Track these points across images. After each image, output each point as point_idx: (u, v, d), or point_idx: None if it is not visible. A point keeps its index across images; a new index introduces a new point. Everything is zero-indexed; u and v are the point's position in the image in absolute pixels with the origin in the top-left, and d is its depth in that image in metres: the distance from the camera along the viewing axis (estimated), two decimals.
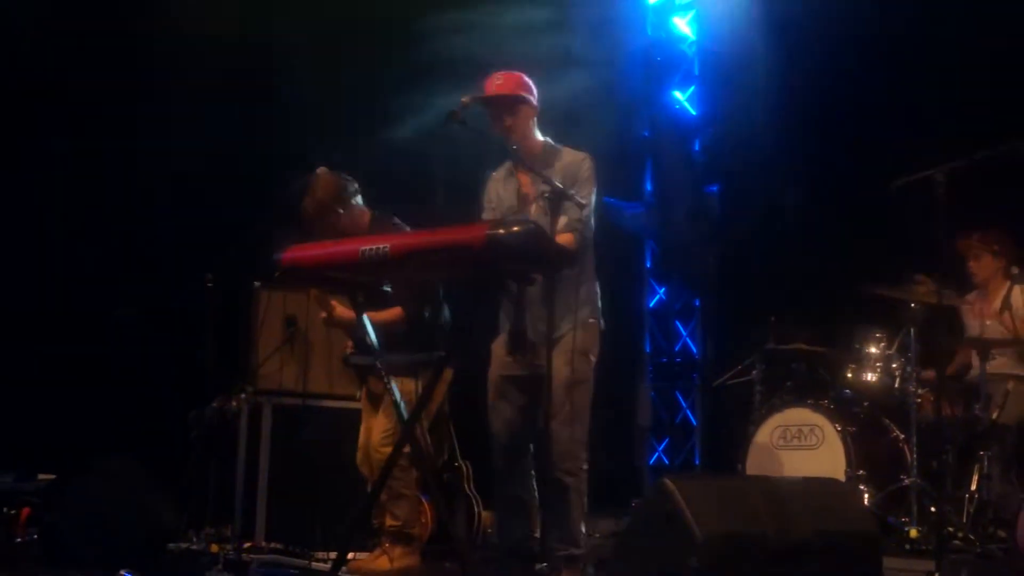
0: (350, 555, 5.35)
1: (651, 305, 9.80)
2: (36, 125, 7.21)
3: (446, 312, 5.59)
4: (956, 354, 6.92)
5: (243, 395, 6.32)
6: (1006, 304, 6.53)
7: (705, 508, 3.86)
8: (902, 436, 6.51)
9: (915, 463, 6.25)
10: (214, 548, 5.78)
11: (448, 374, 5.62)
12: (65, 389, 7.13)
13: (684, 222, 9.40)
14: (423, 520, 5.86)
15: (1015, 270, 6.55)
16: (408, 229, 5.31)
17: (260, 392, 6.40)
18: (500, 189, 5.18)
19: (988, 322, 6.61)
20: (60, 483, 5.84)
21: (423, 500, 5.88)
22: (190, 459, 6.15)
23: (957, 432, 6.29)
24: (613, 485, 5.55)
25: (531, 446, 5.10)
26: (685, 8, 9.74)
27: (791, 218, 8.24)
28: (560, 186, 4.76)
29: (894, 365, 6.62)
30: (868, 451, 6.47)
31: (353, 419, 5.82)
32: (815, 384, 7.06)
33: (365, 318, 4.65)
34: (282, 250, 4.42)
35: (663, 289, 9.79)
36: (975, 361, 6.54)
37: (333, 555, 5.01)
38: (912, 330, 6.42)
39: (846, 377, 6.80)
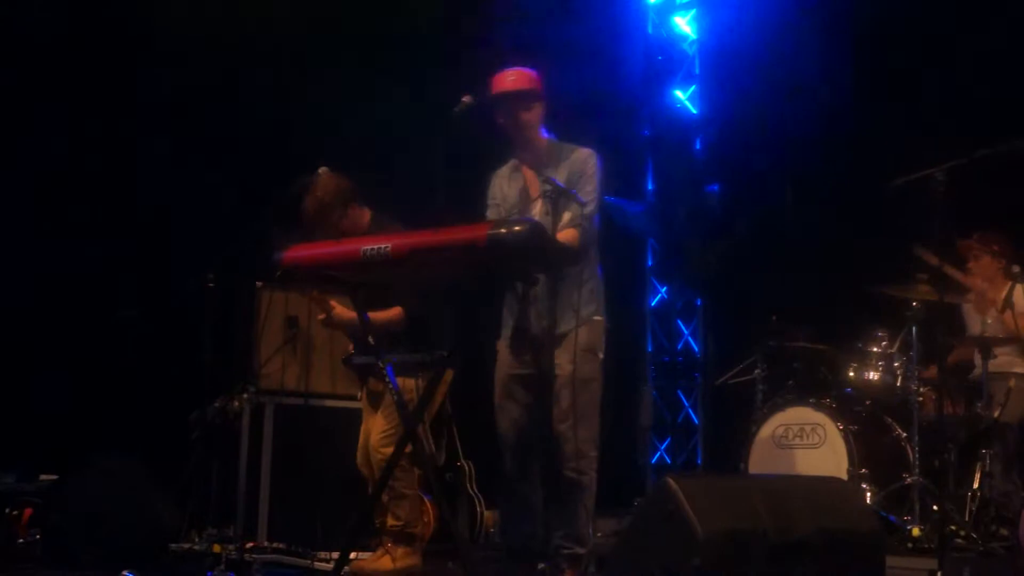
0: (352, 555, 5.35)
1: (653, 304, 9.80)
2: (34, 122, 7.20)
3: (447, 312, 5.59)
4: (954, 348, 6.92)
5: (245, 395, 6.32)
6: (1008, 303, 6.53)
7: (707, 507, 3.86)
8: (904, 434, 6.51)
9: (917, 461, 6.25)
10: (216, 548, 5.77)
11: (449, 374, 5.62)
12: (67, 389, 7.13)
13: (685, 221, 9.40)
14: (425, 520, 5.87)
15: (1016, 269, 6.56)
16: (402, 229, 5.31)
17: (262, 392, 6.40)
18: (505, 186, 5.18)
19: (989, 321, 6.61)
20: (62, 484, 5.84)
21: (425, 500, 5.88)
22: (192, 459, 6.15)
23: (959, 430, 6.30)
24: (615, 484, 5.55)
25: (538, 445, 5.09)
26: (686, 7, 9.74)
27: (792, 217, 8.24)
28: (563, 184, 4.76)
29: (896, 364, 6.63)
30: (870, 450, 6.47)
31: (355, 419, 5.82)
32: (817, 383, 7.06)
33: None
34: (283, 250, 4.43)
35: (665, 288, 9.79)
36: (977, 359, 6.55)
37: (335, 555, 5.01)
38: (914, 328, 6.42)
39: (848, 376, 6.80)
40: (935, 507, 6.14)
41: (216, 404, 6.30)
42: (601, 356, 5.08)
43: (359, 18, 7.80)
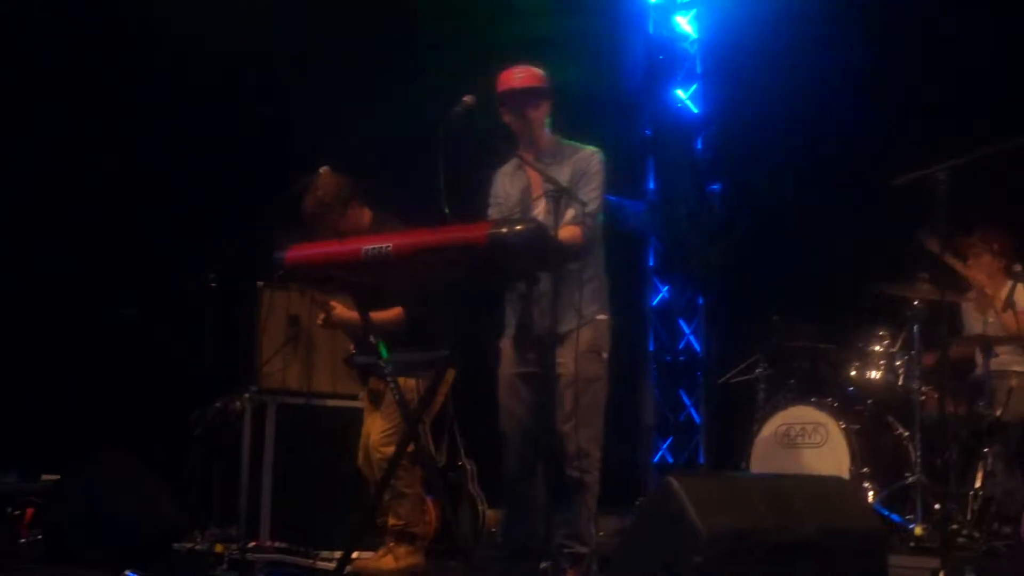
0: (355, 554, 5.35)
1: (654, 303, 9.79)
2: (34, 121, 7.20)
3: (448, 311, 5.59)
4: (951, 347, 6.90)
5: (247, 395, 6.32)
6: (1009, 302, 6.52)
7: (709, 506, 3.86)
8: (906, 433, 6.50)
9: (919, 460, 6.25)
10: (219, 548, 5.79)
11: (451, 374, 5.62)
12: (68, 389, 7.13)
13: (686, 220, 9.40)
14: (427, 519, 5.87)
15: (1017, 267, 6.55)
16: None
17: (264, 391, 6.41)
18: (507, 185, 5.19)
19: (991, 320, 6.60)
20: (63, 483, 5.84)
21: (427, 499, 5.88)
22: (194, 459, 6.15)
23: (961, 429, 6.29)
24: (617, 483, 5.55)
25: (542, 444, 5.09)
26: (687, 6, 9.73)
27: (793, 216, 8.24)
28: (564, 184, 4.77)
29: (898, 363, 6.62)
30: (872, 449, 6.47)
31: (357, 418, 5.82)
32: (819, 382, 7.06)
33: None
34: (285, 249, 4.43)
35: (666, 287, 9.78)
36: (978, 359, 6.54)
37: (338, 555, 5.01)
38: (915, 328, 6.42)
39: (850, 375, 6.79)
40: (937, 506, 6.14)
41: (218, 404, 6.31)
42: (606, 356, 5.08)
43: (360, 16, 7.79)
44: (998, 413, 6.21)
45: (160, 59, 7.46)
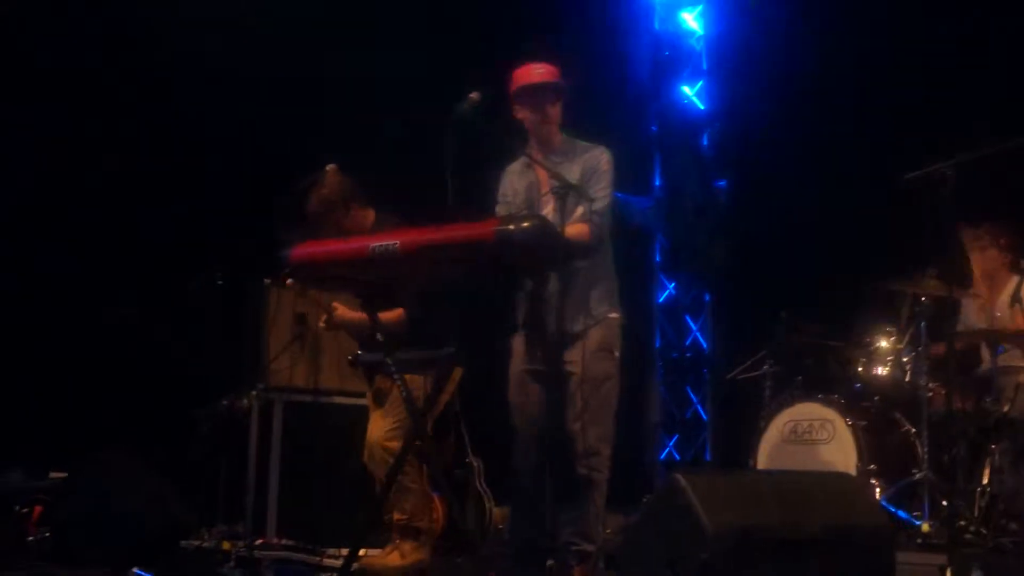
0: (362, 551, 5.36)
1: (661, 300, 9.79)
2: (34, 121, 7.21)
3: (454, 310, 5.59)
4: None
5: (254, 392, 6.33)
6: (1016, 298, 6.51)
7: (716, 502, 3.86)
8: (913, 430, 6.49)
9: (926, 457, 6.24)
10: (226, 545, 5.80)
11: (458, 373, 5.62)
12: (75, 387, 7.14)
13: (693, 216, 9.40)
14: (435, 516, 5.87)
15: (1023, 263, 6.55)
16: None
17: (271, 389, 6.41)
18: (516, 183, 5.18)
19: (998, 315, 6.59)
20: (71, 481, 5.85)
21: (434, 497, 5.88)
22: (201, 456, 6.16)
23: (968, 425, 6.27)
24: (624, 480, 5.55)
25: (552, 442, 5.08)
26: (693, 3, 9.73)
27: (800, 212, 8.23)
28: (572, 181, 4.76)
29: (905, 359, 6.61)
30: (879, 445, 6.46)
31: (364, 416, 5.82)
32: (826, 379, 7.04)
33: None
34: (292, 247, 4.43)
35: (673, 284, 9.78)
36: (985, 355, 6.53)
37: (345, 552, 5.01)
38: (923, 324, 6.41)
39: (857, 371, 6.78)
40: (944, 502, 6.13)
41: (225, 401, 6.31)
42: (617, 354, 5.07)
43: (362, 10, 7.79)
44: (1005, 409, 6.19)
45: (161, 57, 7.46)
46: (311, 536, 6.04)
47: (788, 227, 8.30)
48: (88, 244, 7.30)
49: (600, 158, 5.08)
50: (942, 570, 4.73)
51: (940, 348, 6.41)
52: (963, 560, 4.92)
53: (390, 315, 5.35)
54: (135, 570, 5.01)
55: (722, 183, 9.33)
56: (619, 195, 5.22)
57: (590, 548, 4.95)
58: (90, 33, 7.40)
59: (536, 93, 5.07)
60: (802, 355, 7.16)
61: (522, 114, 5.11)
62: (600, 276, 5.06)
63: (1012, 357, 6.53)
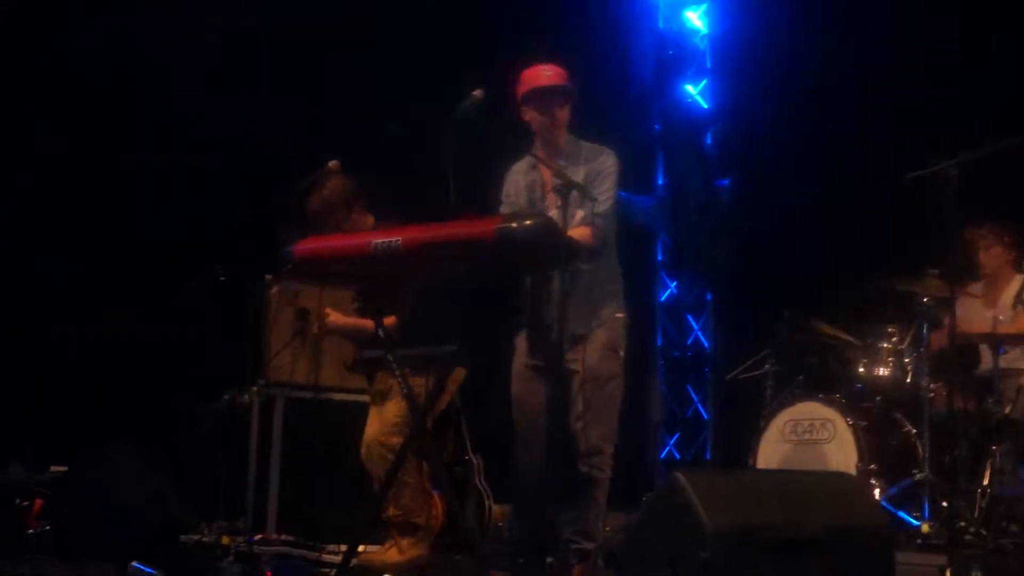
0: (360, 548, 5.36)
1: (662, 299, 9.79)
2: (36, 121, 7.21)
3: (456, 309, 5.58)
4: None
5: (255, 388, 6.33)
6: (1019, 299, 6.50)
7: (716, 501, 3.85)
8: (914, 431, 6.48)
9: (927, 458, 6.23)
10: (226, 540, 5.79)
11: (461, 374, 5.62)
12: (77, 381, 7.14)
13: (696, 215, 9.39)
14: (434, 513, 5.87)
15: None
16: None
17: (272, 385, 6.41)
18: (520, 183, 5.18)
19: (1000, 316, 6.57)
20: (71, 475, 5.86)
21: (434, 494, 5.88)
22: (202, 452, 6.16)
23: (969, 426, 6.27)
24: (624, 479, 5.55)
25: (553, 439, 5.08)
26: (697, 2, 9.72)
27: (803, 211, 8.22)
28: (576, 182, 4.76)
29: (906, 359, 6.60)
30: (880, 446, 6.45)
31: (365, 412, 5.82)
32: (827, 378, 7.04)
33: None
34: (294, 243, 4.43)
35: (674, 283, 9.78)
36: (985, 355, 6.52)
37: (344, 548, 5.02)
38: (924, 324, 6.40)
39: (858, 371, 6.78)
40: (944, 503, 6.13)
41: (226, 397, 6.31)
42: (622, 354, 5.07)
43: (366, 12, 7.79)
44: (1007, 410, 6.19)
45: (162, 56, 7.45)
46: (311, 532, 6.05)
47: (791, 226, 8.30)
48: (88, 242, 7.30)
49: (605, 160, 5.07)
50: (942, 571, 4.73)
51: (941, 340, 6.40)
52: (963, 561, 4.92)
53: (386, 321, 5.34)
54: (134, 564, 5.01)
55: (725, 182, 9.32)
56: (622, 194, 5.22)
57: (590, 546, 4.95)
58: (90, 33, 7.39)
59: (545, 96, 5.06)
60: (804, 354, 7.15)
61: (529, 116, 5.10)
62: (605, 278, 5.06)
63: (1014, 358, 6.52)
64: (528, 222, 4.02)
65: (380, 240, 4.18)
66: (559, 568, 4.52)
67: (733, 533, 3.81)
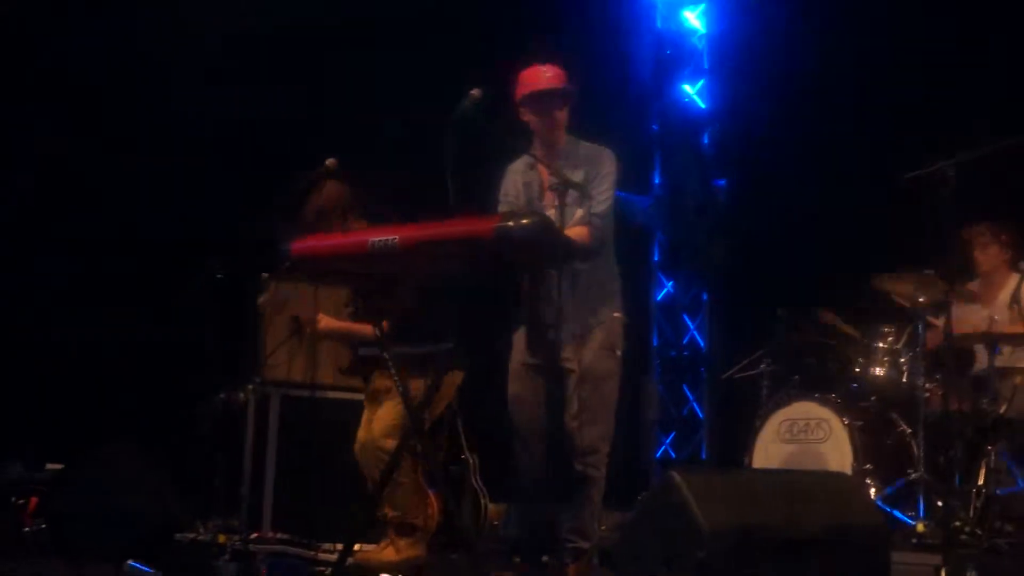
0: (356, 547, 5.36)
1: (659, 298, 9.79)
2: (36, 121, 7.20)
3: (452, 308, 5.57)
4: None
5: (251, 386, 6.33)
6: (1015, 299, 6.51)
7: (712, 501, 3.86)
8: (909, 430, 6.49)
9: (922, 457, 6.24)
10: (221, 539, 5.79)
11: (459, 377, 5.62)
12: (77, 380, 7.14)
13: (693, 215, 9.39)
14: (430, 512, 5.87)
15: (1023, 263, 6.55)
16: None
17: (268, 383, 6.41)
18: (518, 182, 5.18)
19: (996, 316, 6.58)
20: (67, 473, 5.85)
21: (430, 493, 5.88)
22: (198, 450, 6.16)
23: (965, 426, 6.27)
24: (620, 478, 5.56)
25: (550, 438, 5.08)
26: (695, 1, 9.72)
27: (800, 211, 8.23)
28: (574, 181, 4.76)
29: (902, 359, 6.61)
30: (875, 445, 6.46)
31: (361, 411, 5.82)
32: (823, 378, 7.04)
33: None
34: (291, 241, 4.43)
35: (671, 283, 9.78)
36: (982, 355, 6.52)
37: (340, 546, 5.01)
38: (920, 324, 6.40)
39: (854, 371, 6.78)
40: (940, 503, 6.13)
41: (221, 395, 6.31)
42: (619, 353, 5.08)
43: (366, 12, 7.78)
44: (1002, 410, 6.20)
45: (162, 55, 7.44)
46: (306, 530, 6.04)
47: (788, 226, 8.30)
48: (88, 242, 7.30)
49: (604, 161, 5.08)
50: (937, 570, 4.74)
51: (937, 340, 6.40)
52: (958, 561, 4.93)
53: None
54: (130, 562, 5.01)
55: (722, 182, 9.33)
56: (620, 193, 5.22)
57: (585, 545, 4.96)
58: (90, 33, 7.39)
59: (544, 98, 5.06)
60: (800, 354, 7.15)
61: (528, 118, 5.10)
62: (603, 277, 5.06)
63: (1009, 358, 6.53)
64: (525, 221, 4.02)
65: (377, 238, 4.18)
66: (555, 566, 4.52)
67: (729, 533, 3.82)
